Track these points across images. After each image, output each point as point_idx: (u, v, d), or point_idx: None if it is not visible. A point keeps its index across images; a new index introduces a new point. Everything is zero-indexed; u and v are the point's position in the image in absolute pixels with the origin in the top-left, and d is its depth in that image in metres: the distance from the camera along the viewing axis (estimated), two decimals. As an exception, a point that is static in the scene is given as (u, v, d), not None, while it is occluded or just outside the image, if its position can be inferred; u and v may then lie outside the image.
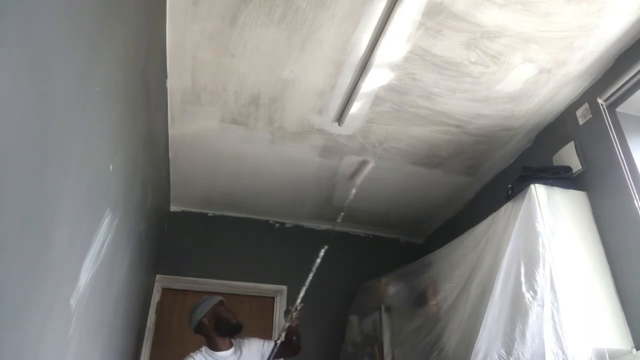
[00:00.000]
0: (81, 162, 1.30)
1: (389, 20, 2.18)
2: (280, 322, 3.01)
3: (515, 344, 2.09)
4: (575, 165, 2.58)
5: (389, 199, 3.79)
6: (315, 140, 3.09)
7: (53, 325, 1.24)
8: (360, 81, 2.54)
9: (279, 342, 2.46)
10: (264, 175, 3.46)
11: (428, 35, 2.30)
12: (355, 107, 2.76)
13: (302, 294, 2.66)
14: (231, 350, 2.43)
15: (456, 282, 2.71)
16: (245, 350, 2.46)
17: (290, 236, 4.09)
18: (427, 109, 2.80)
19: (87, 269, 1.48)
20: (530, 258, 2.24)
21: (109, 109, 1.50)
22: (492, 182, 3.46)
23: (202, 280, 3.64)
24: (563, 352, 1.97)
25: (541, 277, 2.15)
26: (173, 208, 3.89)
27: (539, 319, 2.07)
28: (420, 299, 3.04)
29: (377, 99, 2.71)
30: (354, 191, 3.28)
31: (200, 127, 2.95)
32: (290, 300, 3.73)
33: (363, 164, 3.25)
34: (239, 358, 2.41)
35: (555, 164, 2.74)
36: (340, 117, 2.85)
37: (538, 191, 2.41)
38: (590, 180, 2.52)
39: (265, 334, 3.57)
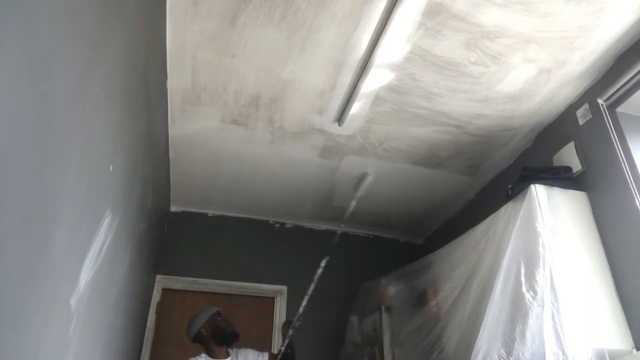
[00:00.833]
0: (81, 162, 1.30)
1: (389, 21, 2.18)
2: (280, 329, 3.08)
3: (516, 344, 2.09)
4: (576, 165, 2.57)
5: (389, 199, 3.79)
6: (315, 141, 3.09)
7: (53, 325, 1.24)
8: (360, 81, 2.54)
9: (282, 350, 2.57)
10: (264, 175, 3.46)
11: (428, 35, 2.30)
12: (356, 107, 2.76)
13: (304, 304, 2.75)
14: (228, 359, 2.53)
15: (456, 282, 2.71)
16: (241, 359, 2.54)
17: (291, 236, 4.09)
18: (427, 109, 2.80)
19: (87, 269, 1.48)
20: (531, 258, 2.24)
21: (109, 109, 1.50)
22: (492, 182, 3.46)
23: (202, 280, 3.64)
24: (563, 353, 1.97)
25: (541, 277, 2.15)
26: (173, 208, 3.89)
27: (539, 319, 2.07)
28: (420, 299, 3.04)
29: (377, 99, 2.71)
30: (353, 203, 3.31)
31: (200, 128, 2.96)
32: (291, 300, 3.74)
33: (363, 177, 3.30)
34: None
35: (555, 164, 2.73)
36: (340, 117, 2.85)
37: (538, 191, 2.41)
38: (590, 180, 2.52)
39: (265, 334, 3.59)
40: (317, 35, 2.31)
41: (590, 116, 2.58)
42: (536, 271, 2.18)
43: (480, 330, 2.21)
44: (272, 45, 2.37)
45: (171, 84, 2.59)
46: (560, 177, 2.54)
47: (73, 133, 1.19)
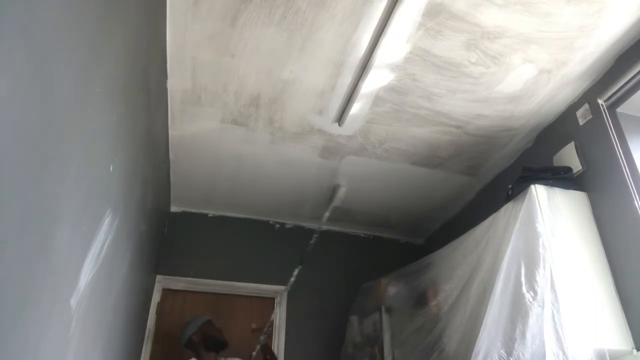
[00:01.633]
0: (81, 162, 1.30)
1: (389, 21, 2.18)
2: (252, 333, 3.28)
3: (516, 344, 2.09)
4: (576, 165, 2.57)
5: (389, 200, 3.79)
6: (315, 141, 3.09)
7: (53, 325, 1.24)
8: (360, 82, 2.54)
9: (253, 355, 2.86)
10: (265, 175, 3.46)
11: (428, 35, 2.30)
12: (356, 108, 2.76)
13: (276, 311, 3.11)
14: None
15: (456, 282, 2.71)
16: None
17: (291, 237, 4.09)
18: (427, 109, 2.80)
19: (88, 269, 1.48)
20: (531, 258, 2.24)
21: (109, 109, 1.50)
22: (492, 183, 3.46)
23: (202, 280, 3.64)
24: (563, 353, 1.97)
25: (541, 277, 2.15)
26: (173, 208, 3.89)
27: (539, 320, 2.07)
28: (420, 300, 3.04)
29: (378, 99, 2.71)
30: (327, 214, 3.33)
31: (200, 128, 2.96)
32: (291, 300, 3.75)
33: (336, 188, 3.34)
34: None
35: (555, 164, 2.73)
36: (340, 118, 2.85)
37: (538, 191, 2.41)
38: (590, 180, 2.52)
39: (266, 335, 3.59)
40: (317, 35, 2.31)
41: (591, 116, 2.58)
42: (536, 271, 2.18)
43: (481, 331, 2.21)
44: (272, 46, 2.37)
45: (171, 84, 2.60)
46: (560, 178, 2.54)
47: (73, 133, 1.19)
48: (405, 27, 2.24)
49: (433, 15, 2.19)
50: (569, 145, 2.66)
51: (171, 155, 3.23)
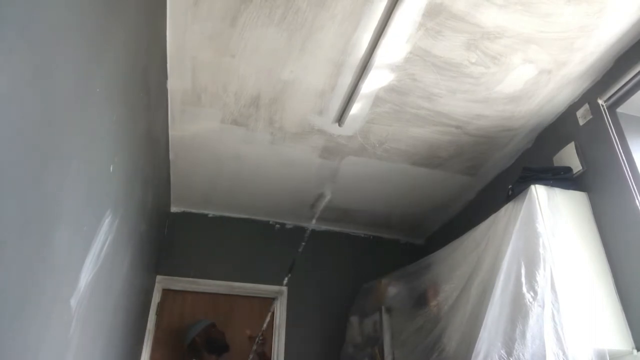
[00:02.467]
0: (82, 163, 1.30)
1: (389, 21, 2.18)
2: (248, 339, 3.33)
3: (516, 344, 2.09)
4: (576, 165, 2.57)
5: (389, 200, 3.79)
6: (315, 141, 3.09)
7: (53, 325, 1.24)
8: (360, 82, 2.54)
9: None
10: (265, 176, 3.46)
11: (428, 36, 2.30)
12: (356, 108, 2.76)
13: (267, 320, 3.18)
14: None
15: (457, 282, 2.71)
16: None
17: (291, 237, 4.09)
18: (428, 109, 2.80)
19: (88, 269, 1.48)
20: (531, 259, 2.24)
21: (109, 109, 1.50)
22: (492, 183, 3.46)
23: (202, 281, 3.63)
24: (564, 353, 1.97)
25: (541, 277, 2.15)
26: (173, 209, 3.89)
27: (540, 320, 2.07)
28: (420, 300, 3.03)
29: (378, 99, 2.71)
30: (314, 221, 3.35)
31: (200, 128, 2.96)
32: (291, 301, 3.75)
33: (320, 197, 3.36)
34: None
35: (555, 164, 2.73)
36: (340, 118, 2.85)
37: (538, 192, 2.41)
38: (590, 180, 2.52)
39: (265, 335, 3.59)
40: (317, 35, 2.31)
41: (591, 117, 2.58)
42: (536, 271, 2.18)
43: (481, 331, 2.21)
44: (272, 46, 2.37)
45: (171, 84, 2.60)
46: (560, 178, 2.54)
47: (73, 133, 1.19)
48: (405, 27, 2.24)
49: (433, 15, 2.19)
50: (569, 145, 2.66)
51: (171, 156, 3.23)
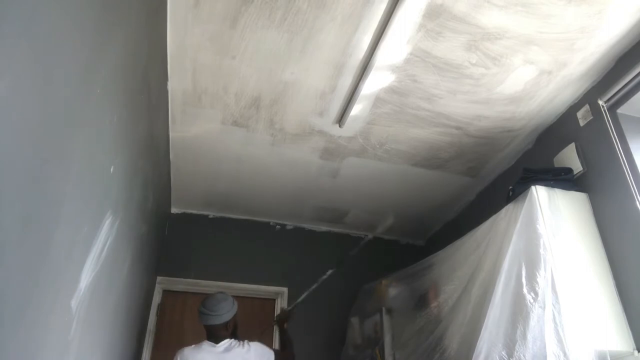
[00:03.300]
0: (82, 163, 1.30)
1: (389, 23, 2.18)
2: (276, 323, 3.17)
3: (517, 345, 2.09)
4: (576, 166, 2.57)
5: (389, 201, 3.79)
6: (316, 142, 3.09)
7: (54, 327, 1.24)
8: (360, 83, 2.54)
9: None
10: (265, 176, 3.46)
11: (428, 37, 2.30)
12: (356, 109, 2.76)
13: (298, 301, 3.11)
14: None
15: (457, 283, 2.70)
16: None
17: (291, 238, 4.09)
18: (428, 110, 2.80)
19: (88, 271, 1.48)
20: (531, 259, 2.23)
21: (110, 111, 1.50)
22: (493, 184, 3.46)
23: (203, 282, 3.63)
24: (564, 354, 1.97)
25: (542, 278, 2.15)
26: (174, 210, 3.89)
27: (540, 321, 2.07)
28: (421, 301, 3.03)
29: (378, 100, 2.71)
30: (370, 236, 3.43)
31: (201, 129, 2.96)
32: (291, 301, 3.74)
33: (383, 221, 3.68)
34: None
35: (556, 165, 2.73)
36: (341, 119, 2.85)
37: (539, 193, 2.40)
38: (591, 181, 2.52)
39: (266, 336, 3.59)
40: (317, 37, 2.31)
41: (591, 117, 2.58)
42: (537, 272, 2.17)
43: (482, 332, 2.21)
44: (272, 47, 2.37)
45: (172, 85, 2.60)
46: (561, 179, 2.53)
47: (74, 135, 1.20)
48: (406, 29, 2.24)
49: (433, 16, 2.19)
50: (569, 146, 2.66)
51: (172, 157, 3.23)
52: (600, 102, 2.50)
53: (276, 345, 3.49)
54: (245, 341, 2.45)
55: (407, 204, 3.83)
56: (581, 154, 2.58)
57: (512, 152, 3.18)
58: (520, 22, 2.22)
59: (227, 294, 2.59)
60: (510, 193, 2.61)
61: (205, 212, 3.94)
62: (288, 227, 4.14)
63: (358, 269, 3.97)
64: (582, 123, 2.64)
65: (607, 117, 2.47)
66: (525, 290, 2.18)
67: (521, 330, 2.10)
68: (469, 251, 2.73)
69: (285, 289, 3.79)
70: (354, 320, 3.62)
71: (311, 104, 2.76)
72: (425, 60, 2.43)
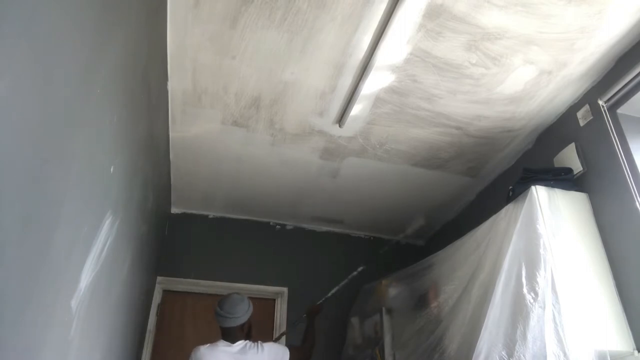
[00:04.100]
0: (82, 163, 1.30)
1: (389, 23, 2.18)
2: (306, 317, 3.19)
3: (517, 345, 2.09)
4: (576, 166, 2.57)
5: (389, 201, 3.79)
6: (316, 142, 3.09)
7: (54, 327, 1.24)
8: (360, 83, 2.54)
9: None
10: (265, 177, 3.46)
11: (428, 37, 2.30)
12: (356, 109, 2.76)
13: (333, 291, 3.24)
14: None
15: (457, 283, 2.70)
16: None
17: (291, 238, 4.10)
18: (428, 110, 2.80)
19: (88, 271, 1.48)
20: (532, 259, 2.23)
21: (110, 111, 1.50)
22: (493, 184, 3.46)
23: (203, 282, 3.64)
24: (564, 354, 1.96)
25: (542, 278, 2.15)
26: (174, 210, 3.89)
27: (540, 321, 2.07)
28: (421, 301, 3.03)
29: (378, 100, 2.71)
30: (400, 236, 3.42)
31: (201, 129, 2.96)
32: (292, 301, 3.74)
33: (413, 222, 3.67)
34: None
35: (556, 165, 2.73)
36: (341, 119, 2.85)
37: (539, 193, 2.40)
38: (591, 181, 2.52)
39: (266, 336, 3.59)
40: (317, 37, 2.31)
41: (591, 117, 2.58)
42: (537, 272, 2.17)
43: (482, 332, 2.21)
44: (272, 47, 2.37)
45: (172, 85, 2.60)
46: (561, 179, 2.53)
47: (74, 134, 1.20)
48: (406, 29, 2.24)
49: (433, 16, 2.19)
50: (569, 146, 2.65)
51: (172, 157, 3.23)
52: (600, 102, 2.50)
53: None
54: (259, 342, 2.47)
55: (407, 204, 3.82)
56: (581, 154, 2.58)
57: (512, 152, 3.18)
58: (520, 22, 2.22)
59: (242, 295, 2.59)
60: (510, 193, 2.61)
61: (205, 212, 3.94)
62: (288, 227, 4.14)
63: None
64: (582, 123, 2.64)
65: (607, 117, 2.47)
66: (525, 290, 2.18)
67: (521, 330, 2.10)
68: (469, 251, 2.73)
69: (285, 289, 3.79)
70: (354, 320, 3.62)
71: (311, 104, 2.76)
72: (425, 60, 2.43)
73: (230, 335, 2.45)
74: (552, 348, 1.99)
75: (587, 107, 2.62)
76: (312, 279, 3.82)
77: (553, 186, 2.46)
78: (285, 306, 3.74)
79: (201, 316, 3.52)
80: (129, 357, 2.64)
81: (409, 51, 2.38)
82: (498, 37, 2.30)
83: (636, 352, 2.10)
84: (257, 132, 2.99)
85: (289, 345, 2.68)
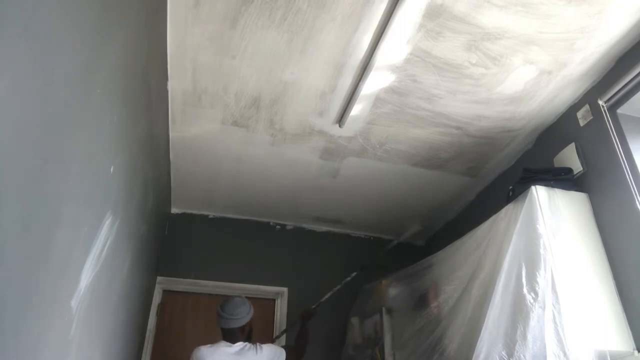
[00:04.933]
0: (82, 163, 1.30)
1: (389, 23, 2.18)
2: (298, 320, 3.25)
3: (517, 345, 2.09)
4: (576, 166, 2.57)
5: (389, 201, 3.79)
6: (316, 142, 3.09)
7: (54, 327, 1.24)
8: (360, 83, 2.54)
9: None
10: (265, 177, 3.46)
11: (428, 37, 2.30)
12: (356, 109, 2.76)
13: (322, 300, 3.24)
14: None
15: (457, 283, 2.70)
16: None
17: (291, 238, 4.09)
18: (428, 110, 2.80)
19: (88, 270, 1.48)
20: (532, 259, 2.23)
21: (110, 111, 1.50)
22: (493, 184, 3.46)
23: (203, 282, 3.64)
24: (564, 354, 1.97)
25: (542, 278, 2.15)
26: (174, 210, 3.89)
27: (540, 321, 2.07)
28: (421, 301, 3.03)
29: (378, 100, 2.71)
30: (394, 242, 3.41)
31: (201, 129, 2.96)
32: (292, 302, 3.75)
33: (409, 228, 3.67)
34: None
35: (556, 165, 2.73)
36: (341, 119, 2.85)
37: (539, 193, 2.40)
38: (591, 181, 2.52)
39: (266, 336, 3.59)
40: (317, 37, 2.31)
41: (591, 117, 2.58)
42: (537, 272, 2.17)
43: (482, 332, 2.21)
44: (272, 47, 2.37)
45: (172, 85, 2.60)
46: (561, 179, 2.53)
47: (74, 134, 1.20)
48: (406, 29, 2.24)
49: (433, 16, 2.19)
50: (569, 146, 2.65)
51: (172, 157, 3.23)
52: (600, 102, 2.50)
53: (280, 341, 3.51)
54: (258, 344, 2.56)
55: (406, 204, 3.82)
56: (581, 154, 2.58)
57: (512, 152, 3.18)
58: (520, 22, 2.22)
59: (244, 297, 2.70)
60: (510, 193, 2.61)
61: (205, 212, 3.94)
62: (288, 227, 4.14)
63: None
64: (582, 123, 2.64)
65: (607, 117, 2.47)
66: (525, 290, 2.18)
67: (521, 330, 2.10)
68: (469, 251, 2.73)
69: (285, 289, 3.79)
70: (354, 320, 3.62)
71: (311, 104, 2.76)
72: (425, 60, 2.43)
73: (231, 337, 2.53)
74: (552, 348, 1.99)
75: (587, 107, 2.62)
76: (312, 279, 3.82)
77: (553, 186, 2.46)
78: (285, 306, 3.74)
79: (201, 316, 3.52)
80: (129, 357, 2.64)
81: (409, 51, 2.38)
82: (498, 37, 2.30)
83: (636, 352, 2.11)
84: (257, 132, 2.99)
85: (285, 345, 2.73)
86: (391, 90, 2.64)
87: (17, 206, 0.91)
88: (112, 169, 1.62)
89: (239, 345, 2.51)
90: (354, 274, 3.39)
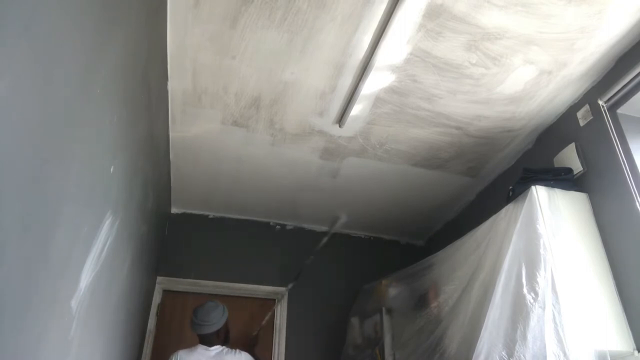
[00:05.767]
0: (82, 163, 1.30)
1: (389, 23, 2.18)
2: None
3: (517, 345, 2.09)
4: (576, 166, 2.57)
5: (389, 201, 3.79)
6: (316, 142, 3.09)
7: (54, 327, 1.24)
8: (360, 83, 2.54)
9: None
10: (265, 177, 3.46)
11: (428, 37, 2.30)
12: (356, 109, 2.76)
13: (267, 318, 3.36)
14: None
15: (457, 283, 2.70)
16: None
17: (291, 238, 4.09)
18: (428, 110, 2.80)
19: (88, 270, 1.48)
20: (532, 259, 2.23)
21: (109, 111, 1.50)
22: (493, 184, 3.46)
23: (203, 282, 3.64)
24: (564, 354, 1.96)
25: (542, 278, 2.15)
26: (174, 210, 3.89)
27: (540, 321, 2.07)
28: (421, 301, 3.03)
29: (378, 100, 2.71)
30: (325, 239, 3.39)
31: (201, 129, 2.96)
32: (292, 301, 3.75)
33: (336, 219, 3.63)
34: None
35: (556, 165, 2.73)
36: (341, 119, 2.85)
37: (539, 193, 2.40)
38: (591, 181, 2.52)
39: (266, 336, 3.60)
40: (317, 37, 2.31)
41: (591, 117, 2.58)
42: (537, 272, 2.17)
43: (482, 332, 2.21)
44: (273, 47, 2.37)
45: (172, 85, 2.60)
46: (561, 179, 2.53)
47: (74, 135, 1.20)
48: (406, 29, 2.24)
49: (433, 16, 2.19)
50: (569, 146, 2.65)
51: (172, 157, 3.23)
52: (600, 102, 2.50)
53: (278, 347, 3.54)
54: (237, 349, 2.62)
55: (407, 204, 3.82)
56: (581, 154, 2.58)
57: (512, 152, 3.18)
58: (520, 22, 2.22)
59: (217, 302, 2.78)
60: (510, 193, 2.61)
61: (205, 212, 3.94)
62: (288, 227, 4.14)
63: (358, 269, 3.97)
64: (582, 123, 2.64)
65: (607, 117, 2.47)
66: (525, 290, 2.18)
67: (521, 330, 2.10)
68: (469, 251, 2.73)
69: (285, 289, 3.79)
70: (354, 320, 3.62)
71: (311, 104, 2.76)
72: (425, 60, 2.43)
73: (207, 341, 2.65)
74: (552, 348, 1.99)
75: (587, 107, 2.62)
76: (312, 279, 3.82)
77: (553, 186, 2.46)
78: (285, 306, 3.74)
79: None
80: (129, 357, 2.64)
81: (409, 51, 2.38)
82: (498, 37, 2.30)
83: (636, 352, 2.10)
84: (257, 132, 2.99)
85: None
86: (391, 90, 2.64)
87: (17, 206, 0.91)
88: (112, 169, 1.62)
89: (217, 348, 2.61)
90: (290, 285, 3.54)
